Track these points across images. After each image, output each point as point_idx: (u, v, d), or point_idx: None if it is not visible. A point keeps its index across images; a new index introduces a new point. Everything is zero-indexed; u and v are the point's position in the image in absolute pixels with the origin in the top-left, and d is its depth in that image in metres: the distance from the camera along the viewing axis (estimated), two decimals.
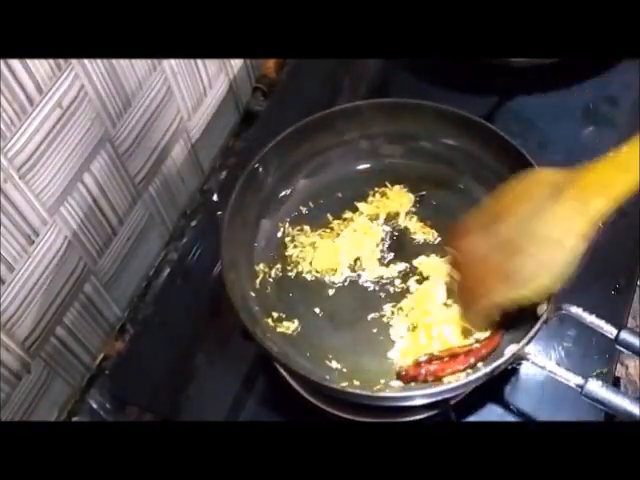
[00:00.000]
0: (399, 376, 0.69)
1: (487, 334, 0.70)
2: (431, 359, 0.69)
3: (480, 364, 0.68)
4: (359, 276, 0.76)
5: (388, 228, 0.79)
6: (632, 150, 0.60)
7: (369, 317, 0.74)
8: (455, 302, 0.71)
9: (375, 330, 0.73)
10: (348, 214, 0.80)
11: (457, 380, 0.66)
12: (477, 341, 0.70)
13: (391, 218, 0.80)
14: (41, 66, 0.67)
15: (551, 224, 0.62)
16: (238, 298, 0.70)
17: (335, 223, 0.80)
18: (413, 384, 0.68)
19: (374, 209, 0.80)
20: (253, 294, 0.74)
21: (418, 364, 0.68)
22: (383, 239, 0.79)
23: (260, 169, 0.78)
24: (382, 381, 0.69)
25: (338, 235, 0.79)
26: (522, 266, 0.63)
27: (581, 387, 0.63)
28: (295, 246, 0.79)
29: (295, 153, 0.81)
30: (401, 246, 0.78)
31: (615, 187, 0.61)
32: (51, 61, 0.68)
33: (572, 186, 0.62)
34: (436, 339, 0.71)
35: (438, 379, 0.67)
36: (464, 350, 0.69)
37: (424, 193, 0.81)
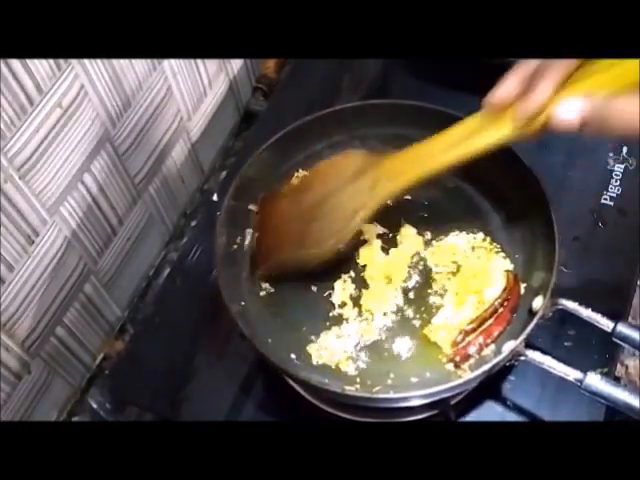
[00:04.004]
0: (454, 363, 0.69)
1: (499, 287, 0.72)
2: (468, 333, 0.69)
3: (492, 346, 0.69)
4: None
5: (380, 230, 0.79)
6: (423, 147, 0.70)
7: None
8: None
9: (388, 332, 0.72)
10: None
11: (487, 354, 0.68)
12: (495, 299, 0.71)
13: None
14: (41, 66, 0.67)
15: (347, 198, 0.71)
16: (235, 304, 0.70)
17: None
18: (468, 364, 0.68)
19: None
20: (251, 299, 0.74)
21: (461, 344, 0.69)
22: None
23: (252, 174, 0.78)
24: (392, 376, 0.69)
25: None
26: (316, 229, 0.72)
27: (580, 381, 0.64)
28: None
29: (287, 158, 0.81)
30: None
31: (403, 177, 0.70)
32: (51, 61, 0.68)
33: (370, 170, 0.71)
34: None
35: (488, 345, 0.69)
36: (490, 311, 0.70)
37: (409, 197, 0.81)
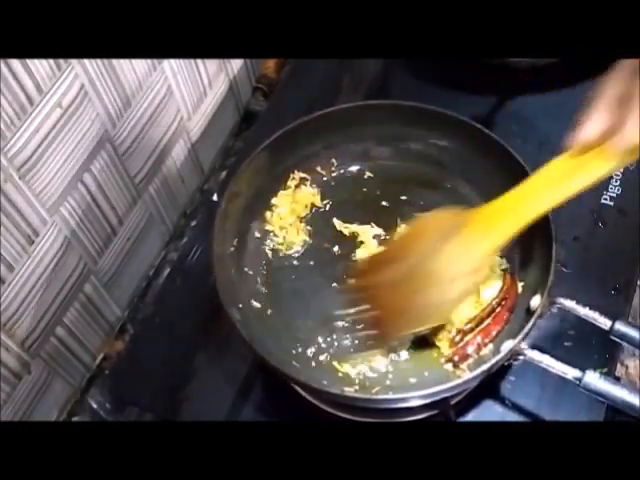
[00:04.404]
0: (453, 363, 0.69)
1: (496, 287, 0.71)
2: (466, 333, 0.69)
3: (490, 346, 0.69)
4: None
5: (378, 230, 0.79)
6: (514, 196, 0.65)
7: None
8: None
9: None
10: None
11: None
12: (493, 298, 0.71)
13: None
14: (41, 66, 0.67)
15: (443, 264, 0.66)
16: (233, 308, 0.70)
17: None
18: (466, 363, 0.69)
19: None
20: (251, 303, 0.74)
21: (459, 344, 0.69)
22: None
23: (249, 175, 0.78)
24: (390, 376, 0.70)
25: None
26: (420, 304, 0.67)
27: (579, 379, 0.64)
28: (283, 253, 0.79)
29: (284, 158, 0.81)
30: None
31: (499, 230, 0.65)
32: (51, 61, 0.68)
33: (462, 228, 0.66)
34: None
35: (486, 345, 0.69)
36: (488, 311, 0.70)
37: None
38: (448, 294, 0.66)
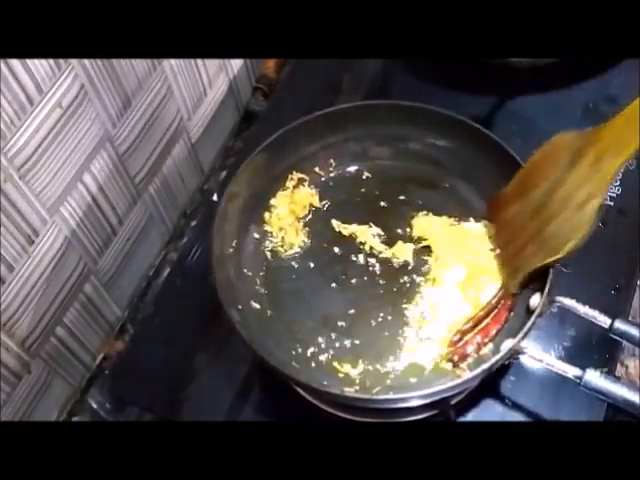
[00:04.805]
0: (453, 363, 0.69)
1: (496, 287, 0.72)
2: (465, 332, 0.70)
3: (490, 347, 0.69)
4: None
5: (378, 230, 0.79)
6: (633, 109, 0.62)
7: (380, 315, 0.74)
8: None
9: (386, 333, 0.72)
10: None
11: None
12: (492, 297, 0.71)
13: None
14: (41, 66, 0.67)
15: (575, 188, 0.64)
16: (233, 309, 0.70)
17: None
18: (466, 363, 0.69)
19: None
20: (250, 304, 0.74)
21: (458, 343, 0.69)
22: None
23: (247, 176, 0.78)
24: (391, 376, 0.69)
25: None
26: (556, 232, 0.66)
27: (579, 378, 0.64)
28: (282, 253, 0.79)
29: (283, 159, 0.81)
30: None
31: (628, 144, 0.62)
32: (51, 61, 0.68)
33: (589, 148, 0.64)
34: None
35: (486, 344, 0.69)
36: (487, 310, 0.70)
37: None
38: (578, 220, 0.65)
